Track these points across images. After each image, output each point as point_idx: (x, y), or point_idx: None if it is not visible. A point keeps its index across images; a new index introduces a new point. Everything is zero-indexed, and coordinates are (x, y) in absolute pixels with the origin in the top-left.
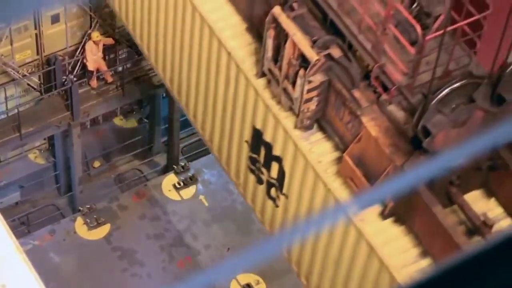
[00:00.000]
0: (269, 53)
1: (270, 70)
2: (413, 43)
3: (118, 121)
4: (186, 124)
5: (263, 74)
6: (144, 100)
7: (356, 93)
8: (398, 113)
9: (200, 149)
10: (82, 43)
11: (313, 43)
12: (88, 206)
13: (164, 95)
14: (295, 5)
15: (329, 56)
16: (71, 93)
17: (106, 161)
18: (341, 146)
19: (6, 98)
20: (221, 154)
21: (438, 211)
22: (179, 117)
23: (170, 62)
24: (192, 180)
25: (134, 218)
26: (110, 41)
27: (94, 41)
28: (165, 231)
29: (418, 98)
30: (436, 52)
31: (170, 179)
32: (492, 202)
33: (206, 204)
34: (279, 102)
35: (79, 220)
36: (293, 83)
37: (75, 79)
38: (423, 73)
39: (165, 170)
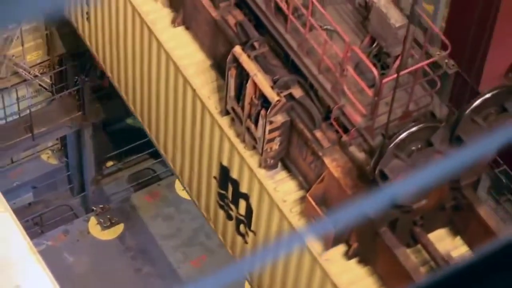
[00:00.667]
0: (232, 92)
1: (233, 109)
2: (373, 84)
3: (130, 120)
4: None
5: (227, 112)
6: None
7: (318, 134)
8: (360, 154)
9: None
10: None
11: (274, 82)
12: (101, 206)
13: None
14: (256, 44)
15: (290, 96)
16: (83, 93)
17: (118, 160)
18: (305, 185)
19: (18, 98)
20: (192, 188)
21: (400, 252)
22: None
23: (140, 95)
24: None
25: (148, 218)
26: None
27: None
28: (179, 230)
29: (378, 140)
30: (397, 92)
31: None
32: (458, 240)
33: None
34: (243, 141)
35: (93, 220)
36: (256, 123)
37: (86, 79)
38: (383, 114)
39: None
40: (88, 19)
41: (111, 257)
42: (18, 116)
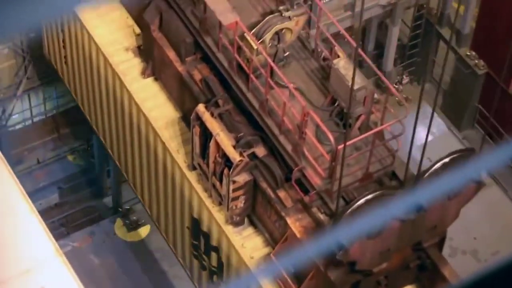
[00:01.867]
0: (197, 149)
1: (199, 165)
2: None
3: None
4: None
5: (194, 168)
6: None
7: (281, 193)
8: (321, 216)
9: None
10: None
11: (238, 141)
12: (128, 207)
13: None
14: (220, 101)
15: (254, 155)
16: None
17: None
18: (272, 242)
19: (44, 99)
20: (168, 236)
21: None
22: None
23: (116, 141)
24: None
25: None
26: None
27: None
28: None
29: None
30: (358, 153)
31: None
32: None
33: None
34: (210, 196)
35: (119, 222)
36: (221, 180)
37: None
38: (344, 177)
39: None
40: (66, 63)
41: (136, 259)
42: (44, 117)
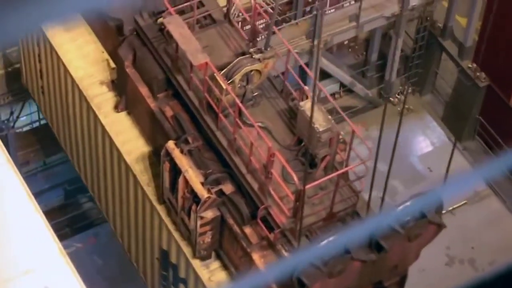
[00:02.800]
0: (167, 184)
1: (169, 199)
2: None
3: None
4: None
5: (164, 201)
6: None
7: (247, 230)
8: (286, 254)
9: None
10: None
11: (206, 178)
12: None
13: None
14: (190, 138)
15: (221, 192)
16: None
17: None
18: (238, 277)
19: None
20: (139, 265)
21: None
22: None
23: (90, 170)
24: None
25: None
26: None
27: None
28: None
29: (303, 241)
30: (322, 194)
31: None
32: None
33: None
34: (179, 230)
35: None
36: (189, 215)
37: None
38: (308, 216)
39: None
40: (43, 93)
41: None
42: None
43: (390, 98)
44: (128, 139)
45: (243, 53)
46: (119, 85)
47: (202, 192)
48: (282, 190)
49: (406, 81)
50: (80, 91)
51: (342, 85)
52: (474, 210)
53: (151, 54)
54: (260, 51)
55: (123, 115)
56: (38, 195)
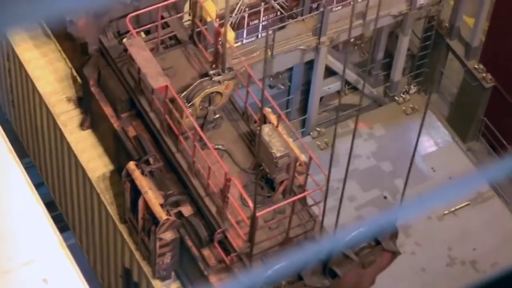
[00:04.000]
0: (128, 204)
1: (130, 219)
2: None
3: None
4: None
5: (126, 221)
6: None
7: (205, 252)
8: (242, 277)
9: None
10: None
11: (166, 199)
12: None
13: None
14: (151, 159)
15: (180, 214)
16: None
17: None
18: None
19: None
20: (104, 282)
21: None
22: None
23: (57, 186)
24: None
25: None
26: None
27: None
28: None
29: (258, 265)
30: (277, 219)
31: None
32: None
33: None
34: (140, 249)
35: None
36: (149, 236)
37: None
38: (264, 241)
39: None
40: (14, 106)
41: None
42: None
43: (395, 97)
44: (93, 157)
45: (206, 75)
46: (85, 103)
47: (161, 214)
48: (239, 214)
49: (412, 80)
50: (47, 108)
51: (347, 82)
52: (476, 211)
53: (115, 74)
54: (219, 73)
55: (88, 133)
56: (38, 186)
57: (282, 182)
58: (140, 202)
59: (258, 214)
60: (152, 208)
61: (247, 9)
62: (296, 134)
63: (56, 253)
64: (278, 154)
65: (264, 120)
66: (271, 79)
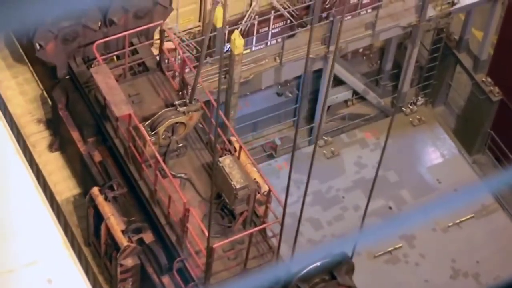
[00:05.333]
0: (91, 228)
1: (93, 243)
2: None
3: None
4: (239, 132)
5: (90, 244)
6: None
7: (165, 280)
8: None
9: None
10: None
11: (128, 225)
12: None
13: (221, 102)
14: (115, 185)
15: (141, 241)
16: None
17: None
18: None
19: None
20: None
21: None
22: (234, 125)
23: None
24: None
25: None
26: (169, 45)
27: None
28: None
29: None
30: (237, 249)
31: None
32: None
33: None
34: (102, 273)
35: None
36: (111, 261)
37: None
38: (221, 271)
39: None
40: None
41: None
42: None
43: (402, 108)
44: (60, 180)
45: (172, 104)
46: (54, 125)
47: (122, 241)
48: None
49: (419, 92)
50: (17, 129)
51: (355, 92)
52: (480, 224)
53: (83, 99)
54: (185, 104)
55: (57, 155)
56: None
57: (242, 213)
58: (103, 228)
59: (214, 245)
60: (113, 234)
61: (257, 16)
62: (255, 165)
63: (61, 254)
64: (238, 186)
65: (229, 149)
66: (279, 86)
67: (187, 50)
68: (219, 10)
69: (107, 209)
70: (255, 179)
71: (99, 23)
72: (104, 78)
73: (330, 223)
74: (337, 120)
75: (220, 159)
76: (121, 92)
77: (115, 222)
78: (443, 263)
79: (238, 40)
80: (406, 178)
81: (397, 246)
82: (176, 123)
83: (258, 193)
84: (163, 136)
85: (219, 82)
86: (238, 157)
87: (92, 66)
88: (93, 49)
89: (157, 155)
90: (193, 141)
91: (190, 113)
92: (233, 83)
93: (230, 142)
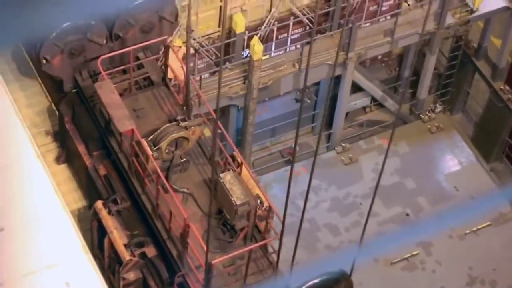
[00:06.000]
0: (95, 241)
1: (98, 256)
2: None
3: None
4: (258, 137)
5: (94, 257)
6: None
7: None
8: None
9: (271, 163)
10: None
11: (131, 239)
12: None
13: (240, 107)
14: (119, 199)
15: (144, 255)
16: None
17: None
18: None
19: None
20: None
21: None
22: (252, 130)
23: None
24: None
25: None
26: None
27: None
28: None
29: None
30: (237, 264)
31: None
32: None
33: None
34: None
35: None
36: (114, 274)
37: None
38: (222, 287)
39: None
40: None
41: None
42: None
43: (420, 115)
44: (67, 192)
45: (175, 119)
46: (61, 138)
47: (124, 255)
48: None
49: (438, 99)
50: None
51: (373, 99)
52: (498, 231)
53: (89, 113)
54: (186, 119)
55: (64, 167)
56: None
57: (242, 228)
58: (106, 241)
59: (213, 261)
60: (116, 248)
61: (276, 22)
62: (255, 181)
63: (79, 258)
64: (238, 202)
65: (231, 164)
66: (297, 92)
67: (207, 55)
68: (238, 16)
69: (110, 223)
70: (257, 194)
71: (105, 37)
72: (108, 93)
73: (347, 229)
74: (355, 127)
75: (221, 175)
76: (124, 107)
77: (118, 236)
78: (459, 270)
79: (257, 46)
80: (424, 185)
81: (414, 253)
82: (179, 137)
83: (259, 208)
84: (166, 151)
85: (218, 94)
86: (240, 173)
87: (98, 80)
88: (98, 63)
89: (159, 170)
90: (196, 155)
91: (192, 127)
92: (252, 88)
93: (233, 157)
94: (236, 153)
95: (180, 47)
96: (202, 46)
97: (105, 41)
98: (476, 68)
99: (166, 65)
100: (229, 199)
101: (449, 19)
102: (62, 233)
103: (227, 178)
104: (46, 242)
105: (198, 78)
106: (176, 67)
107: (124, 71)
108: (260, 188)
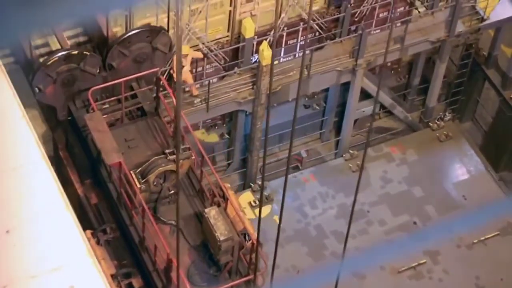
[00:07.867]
0: None
1: None
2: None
3: (199, 134)
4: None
5: None
6: (227, 115)
7: None
8: None
9: (278, 170)
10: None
11: (118, 270)
12: None
13: (248, 112)
14: (108, 229)
15: (130, 286)
16: None
17: None
18: None
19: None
20: None
21: None
22: (260, 135)
23: None
24: (267, 200)
25: None
26: (198, 54)
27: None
28: None
29: None
30: None
31: (246, 196)
32: None
33: None
34: None
35: None
36: None
37: None
38: None
39: (242, 188)
40: None
41: None
42: None
43: (429, 123)
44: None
45: (163, 152)
46: (56, 164)
47: (111, 285)
48: None
49: (447, 107)
50: None
51: (382, 106)
52: (506, 241)
53: (81, 142)
54: (175, 152)
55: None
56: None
57: (227, 263)
58: None
59: None
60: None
61: (285, 28)
62: (239, 215)
63: (84, 261)
64: (222, 238)
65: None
66: (306, 98)
67: (215, 60)
68: (248, 21)
69: (98, 253)
70: (243, 228)
71: (98, 67)
72: (97, 126)
73: (354, 236)
74: (363, 134)
75: (206, 210)
76: (113, 140)
77: (105, 266)
78: (467, 279)
79: (266, 51)
80: (432, 193)
81: (421, 261)
82: (167, 170)
83: (247, 241)
84: (155, 183)
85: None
86: (225, 208)
87: (90, 111)
88: (89, 95)
89: (144, 203)
90: (184, 188)
91: (180, 161)
92: (260, 94)
93: (221, 190)
94: (223, 186)
95: (187, 54)
96: (211, 51)
97: (98, 71)
98: (486, 77)
99: (158, 95)
100: (213, 234)
101: (460, 27)
102: (66, 236)
103: (211, 213)
104: (51, 245)
105: (206, 83)
106: (185, 71)
107: (118, 100)
108: (245, 223)
